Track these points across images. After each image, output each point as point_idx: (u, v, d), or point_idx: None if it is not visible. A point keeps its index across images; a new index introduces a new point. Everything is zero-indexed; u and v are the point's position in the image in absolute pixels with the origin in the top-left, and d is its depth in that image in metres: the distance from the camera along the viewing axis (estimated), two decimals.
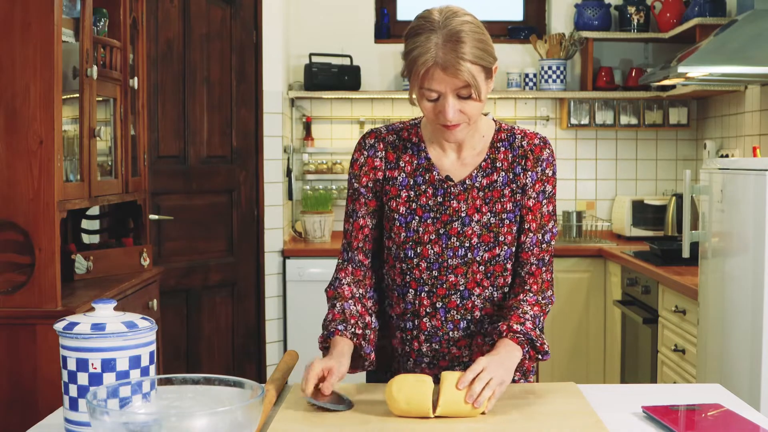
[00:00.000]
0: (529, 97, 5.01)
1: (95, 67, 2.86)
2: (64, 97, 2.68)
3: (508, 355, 1.72)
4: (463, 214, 1.85)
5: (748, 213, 2.65)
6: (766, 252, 2.54)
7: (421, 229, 1.86)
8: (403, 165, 1.88)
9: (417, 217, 1.86)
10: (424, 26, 1.72)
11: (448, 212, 1.86)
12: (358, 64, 4.93)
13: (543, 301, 1.87)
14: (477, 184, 1.86)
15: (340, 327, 1.82)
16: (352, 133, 5.07)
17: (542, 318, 1.85)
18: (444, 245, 1.86)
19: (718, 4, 4.25)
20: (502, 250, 1.87)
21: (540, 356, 1.80)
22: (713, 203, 2.93)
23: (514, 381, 1.92)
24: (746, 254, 2.66)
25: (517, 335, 1.76)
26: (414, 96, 1.77)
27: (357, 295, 1.90)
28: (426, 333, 1.89)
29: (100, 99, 3.00)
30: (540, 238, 1.88)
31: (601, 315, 4.54)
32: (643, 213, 4.81)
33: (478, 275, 1.87)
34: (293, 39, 4.97)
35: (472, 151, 1.88)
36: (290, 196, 4.83)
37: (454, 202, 1.86)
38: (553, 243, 1.91)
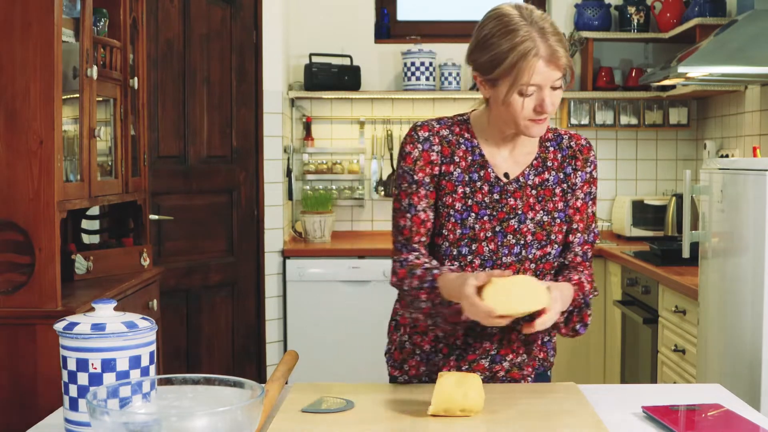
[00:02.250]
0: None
1: (95, 67, 2.86)
2: (64, 97, 2.68)
3: (566, 291, 1.76)
4: (519, 212, 1.87)
5: (748, 213, 2.65)
6: (766, 252, 2.54)
7: (477, 226, 1.86)
8: (458, 160, 1.87)
9: (473, 214, 1.86)
10: (513, 23, 1.74)
11: (504, 210, 1.87)
12: (358, 64, 4.93)
13: (591, 281, 1.91)
14: (530, 182, 1.88)
15: (435, 271, 1.77)
16: (352, 133, 5.07)
17: (591, 296, 1.89)
18: (500, 242, 1.86)
19: (718, 4, 4.25)
20: (552, 249, 1.90)
21: (578, 326, 1.84)
22: (713, 203, 2.93)
23: (516, 380, 1.93)
24: (746, 254, 2.66)
25: (575, 286, 1.82)
26: (506, 93, 1.76)
27: (430, 259, 1.86)
28: (467, 328, 1.88)
29: (100, 99, 3.00)
30: (586, 238, 1.93)
31: (601, 315, 4.54)
32: (643, 213, 4.81)
33: (528, 273, 1.88)
34: (293, 39, 4.97)
35: (524, 149, 1.90)
36: (290, 196, 4.83)
37: (511, 199, 1.87)
38: (596, 242, 1.97)
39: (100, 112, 3.01)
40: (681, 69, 3.52)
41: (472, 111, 1.95)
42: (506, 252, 1.87)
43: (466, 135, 1.89)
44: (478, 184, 1.87)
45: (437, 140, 1.87)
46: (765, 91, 3.98)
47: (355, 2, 5.05)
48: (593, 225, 1.95)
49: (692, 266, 3.32)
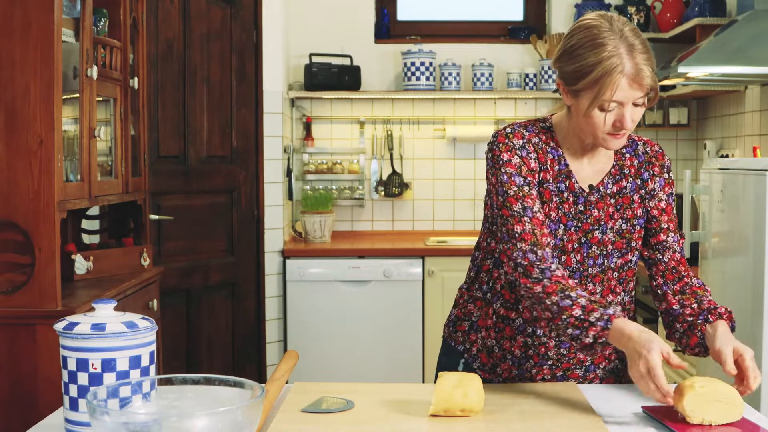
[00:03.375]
0: (529, 97, 5.01)
1: (95, 67, 2.86)
2: (64, 97, 2.68)
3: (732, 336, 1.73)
4: (602, 223, 1.86)
5: (748, 213, 2.65)
6: (766, 252, 2.54)
7: (565, 237, 1.84)
8: (548, 168, 1.85)
9: (562, 225, 1.83)
10: (601, 37, 1.71)
11: (589, 221, 1.85)
12: (358, 64, 4.93)
13: (701, 284, 1.89)
14: (609, 191, 1.87)
15: (609, 311, 1.67)
16: (352, 133, 5.07)
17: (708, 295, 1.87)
18: (585, 254, 1.85)
19: (718, 4, 4.24)
20: (633, 256, 1.88)
21: (732, 324, 1.81)
22: (713, 203, 2.93)
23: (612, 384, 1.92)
24: (746, 254, 2.66)
25: (728, 312, 1.79)
26: (587, 107, 1.73)
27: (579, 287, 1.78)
28: (557, 339, 1.86)
29: (100, 99, 3.00)
30: (678, 236, 1.92)
31: None
32: None
33: (612, 282, 1.87)
34: (293, 39, 4.97)
35: (601, 158, 1.88)
36: (290, 196, 4.83)
37: (594, 210, 1.85)
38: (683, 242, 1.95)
39: (100, 112, 3.01)
40: (681, 69, 3.52)
41: (552, 115, 1.92)
42: (591, 263, 1.85)
43: (552, 144, 1.87)
44: (565, 194, 1.84)
45: (532, 147, 1.84)
46: (765, 91, 3.98)
47: (355, 2, 5.05)
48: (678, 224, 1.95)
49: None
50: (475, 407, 1.62)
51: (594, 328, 1.66)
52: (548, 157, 1.85)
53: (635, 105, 1.74)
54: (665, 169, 1.93)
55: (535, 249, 1.76)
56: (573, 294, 1.70)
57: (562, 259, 1.84)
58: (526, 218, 1.78)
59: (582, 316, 1.67)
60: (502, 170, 1.82)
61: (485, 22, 5.13)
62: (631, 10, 4.83)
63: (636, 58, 1.70)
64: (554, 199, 1.83)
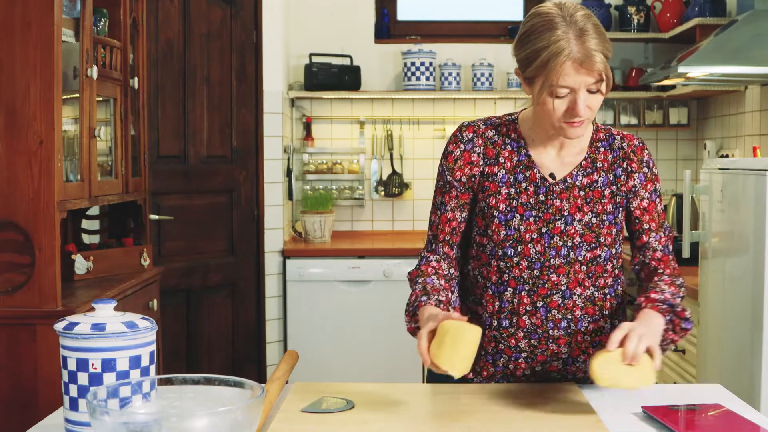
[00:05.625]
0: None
1: (95, 67, 2.86)
2: (64, 97, 2.68)
3: (649, 320, 1.72)
4: (565, 213, 1.84)
5: (748, 213, 2.65)
6: (766, 252, 2.54)
7: (522, 227, 1.84)
8: (503, 161, 1.86)
9: (518, 215, 1.84)
10: (550, 22, 1.71)
11: (550, 211, 1.84)
12: (358, 64, 4.93)
13: (678, 282, 1.87)
14: (578, 183, 1.86)
15: (422, 299, 1.80)
16: (352, 133, 5.07)
17: (681, 297, 1.84)
18: (546, 244, 1.84)
19: (718, 4, 4.24)
20: (603, 252, 1.87)
21: (683, 324, 1.78)
22: (713, 203, 2.93)
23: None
24: (746, 254, 2.66)
25: (657, 303, 1.77)
26: (538, 93, 1.75)
27: (440, 272, 1.89)
28: (525, 330, 1.87)
29: (100, 99, 3.00)
30: (661, 235, 1.91)
31: None
32: None
33: (579, 275, 1.86)
34: (293, 39, 4.97)
35: (573, 149, 1.87)
36: (290, 196, 4.83)
37: (557, 200, 1.85)
38: (672, 236, 1.94)
39: (100, 112, 3.01)
40: (681, 69, 3.52)
41: (522, 110, 1.93)
42: (554, 254, 1.84)
43: (513, 135, 1.88)
44: (524, 185, 1.85)
45: (481, 141, 1.87)
46: (765, 91, 3.98)
47: (355, 2, 5.05)
48: (664, 220, 1.92)
49: (692, 266, 3.32)
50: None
51: (408, 315, 1.85)
52: (506, 149, 1.87)
53: (590, 92, 1.72)
54: (644, 164, 1.89)
55: (432, 242, 1.93)
56: (417, 286, 1.86)
57: (518, 249, 1.84)
58: (438, 212, 1.92)
59: (408, 302, 1.85)
60: (442, 162, 1.92)
61: (485, 22, 5.13)
62: (631, 10, 4.83)
63: (586, 42, 1.68)
64: (504, 191, 1.84)
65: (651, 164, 1.90)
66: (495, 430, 1.56)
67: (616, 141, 1.90)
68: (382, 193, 5.02)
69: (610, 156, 1.88)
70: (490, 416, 1.63)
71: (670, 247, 1.93)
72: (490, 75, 4.88)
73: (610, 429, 1.57)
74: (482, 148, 1.87)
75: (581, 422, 1.60)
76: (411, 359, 4.51)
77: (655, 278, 1.88)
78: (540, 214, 1.84)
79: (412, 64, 4.83)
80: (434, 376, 1.97)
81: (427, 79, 4.85)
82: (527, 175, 1.85)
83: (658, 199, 1.91)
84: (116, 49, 3.13)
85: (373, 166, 5.04)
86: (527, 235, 1.84)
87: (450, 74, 4.87)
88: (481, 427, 1.58)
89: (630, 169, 1.88)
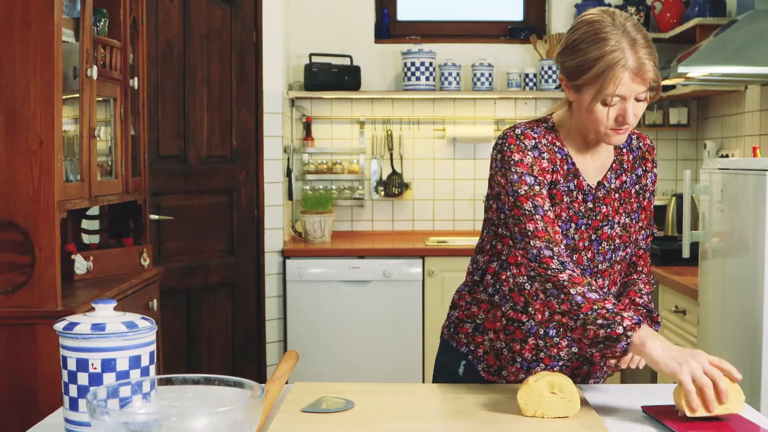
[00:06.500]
0: (529, 97, 5.01)
1: (95, 67, 2.86)
2: (64, 97, 2.68)
3: (670, 346, 1.72)
4: (610, 218, 1.87)
5: (748, 213, 2.64)
6: (766, 252, 2.54)
7: (576, 236, 1.84)
8: (558, 169, 1.84)
9: (573, 224, 1.83)
10: (602, 31, 1.72)
11: (598, 217, 1.86)
12: (358, 64, 4.93)
13: (651, 280, 1.98)
14: (612, 186, 1.89)
15: (627, 323, 1.64)
16: (352, 133, 5.07)
17: (650, 294, 1.96)
18: (595, 251, 1.86)
19: (718, 4, 4.24)
20: (631, 248, 1.93)
21: (654, 327, 1.88)
22: (713, 203, 2.93)
23: (598, 380, 1.98)
24: (746, 254, 2.66)
25: (639, 308, 1.87)
26: (590, 102, 1.73)
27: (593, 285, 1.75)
28: (569, 338, 1.86)
29: (100, 99, 3.00)
30: (647, 233, 1.97)
31: None
32: None
33: (615, 275, 1.91)
34: (293, 39, 4.97)
35: (603, 153, 1.90)
36: (290, 196, 4.83)
37: (603, 206, 1.86)
38: (652, 235, 2.00)
39: (100, 112, 3.01)
40: (681, 69, 3.52)
41: (551, 114, 1.91)
42: (601, 259, 1.86)
43: (557, 143, 1.86)
44: (575, 193, 1.84)
45: (544, 148, 1.83)
46: (765, 91, 3.98)
47: (355, 2, 5.05)
48: (653, 220, 1.99)
49: (692, 266, 3.32)
50: (737, 399, 1.60)
51: (628, 320, 1.63)
52: (557, 157, 1.84)
53: (638, 100, 1.74)
54: (655, 164, 1.96)
55: (550, 246, 1.73)
56: (601, 291, 1.71)
57: (574, 258, 1.84)
58: (537, 216, 1.76)
59: (614, 310, 1.64)
60: (513, 170, 1.79)
61: (485, 22, 5.13)
62: (631, 9, 4.83)
63: (638, 52, 1.71)
64: (565, 199, 1.83)
65: (658, 166, 1.97)
66: (495, 430, 1.56)
67: (633, 141, 1.94)
68: (382, 193, 5.02)
69: (631, 156, 1.93)
70: (491, 416, 1.63)
71: (649, 246, 2.00)
72: (490, 75, 4.88)
73: (610, 429, 1.57)
74: (547, 154, 1.83)
75: (581, 422, 1.60)
76: (411, 359, 4.52)
77: (634, 275, 1.96)
78: (590, 221, 1.85)
79: (412, 64, 4.83)
80: (438, 377, 1.98)
81: (427, 79, 4.85)
82: (575, 183, 1.85)
83: (653, 198, 1.97)
84: (116, 49, 3.13)
85: (373, 166, 5.04)
86: (580, 243, 1.84)
87: (450, 74, 4.87)
88: (481, 427, 1.58)
89: (645, 168, 1.94)
